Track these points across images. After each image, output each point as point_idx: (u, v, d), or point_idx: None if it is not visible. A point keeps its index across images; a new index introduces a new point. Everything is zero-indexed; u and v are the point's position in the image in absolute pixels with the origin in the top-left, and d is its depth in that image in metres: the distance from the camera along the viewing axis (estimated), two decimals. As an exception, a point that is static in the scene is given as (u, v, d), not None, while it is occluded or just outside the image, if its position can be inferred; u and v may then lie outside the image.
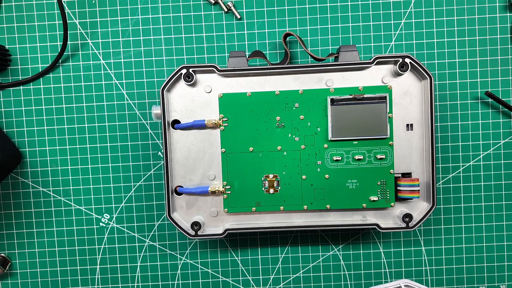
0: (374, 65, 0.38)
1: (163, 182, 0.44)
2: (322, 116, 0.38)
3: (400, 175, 0.39)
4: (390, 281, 0.45)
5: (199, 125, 0.38)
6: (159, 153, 0.44)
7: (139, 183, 0.45)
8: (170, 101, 0.39)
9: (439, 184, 0.44)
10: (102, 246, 0.45)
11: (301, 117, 0.38)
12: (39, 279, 0.45)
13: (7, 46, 0.44)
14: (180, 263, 0.45)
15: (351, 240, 0.45)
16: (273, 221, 0.40)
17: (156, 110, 0.38)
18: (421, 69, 0.37)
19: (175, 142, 0.39)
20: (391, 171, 0.38)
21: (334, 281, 0.45)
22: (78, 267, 0.45)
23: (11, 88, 0.44)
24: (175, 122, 0.39)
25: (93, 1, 0.44)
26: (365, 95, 0.37)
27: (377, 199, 0.38)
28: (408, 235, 0.45)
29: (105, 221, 0.45)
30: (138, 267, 0.45)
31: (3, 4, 0.44)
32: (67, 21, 0.43)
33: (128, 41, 0.44)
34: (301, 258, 0.45)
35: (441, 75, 0.43)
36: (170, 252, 0.45)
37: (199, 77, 0.39)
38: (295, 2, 0.43)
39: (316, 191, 0.39)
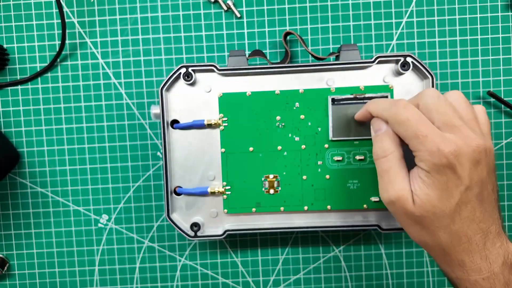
0: (376, 64, 0.37)
1: (162, 182, 0.44)
2: (323, 116, 0.38)
3: (401, 175, 0.38)
4: (392, 282, 0.45)
5: (199, 125, 0.38)
6: (158, 153, 0.44)
7: (138, 183, 0.44)
8: (169, 101, 0.38)
9: (441, 185, 0.44)
10: (101, 247, 0.45)
11: (302, 116, 0.38)
12: (37, 280, 0.45)
13: (5, 46, 0.43)
14: (179, 264, 0.45)
15: (352, 241, 0.45)
16: (273, 221, 0.40)
17: (155, 109, 0.38)
18: (422, 69, 0.37)
19: (174, 142, 0.39)
20: (393, 171, 0.38)
21: (335, 283, 0.45)
22: (77, 268, 0.45)
23: (9, 88, 0.44)
24: (174, 122, 0.39)
25: (92, 0, 0.43)
26: (366, 95, 0.37)
27: (378, 199, 0.38)
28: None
29: (103, 222, 0.45)
30: (137, 268, 0.45)
31: (1, 3, 0.43)
32: (66, 20, 0.42)
33: (127, 40, 0.43)
34: (302, 260, 0.45)
35: (443, 74, 0.43)
36: (169, 253, 0.45)
37: (199, 76, 0.38)
38: (295, 1, 0.43)
39: (316, 191, 0.38)
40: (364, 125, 0.37)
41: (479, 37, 0.43)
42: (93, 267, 0.45)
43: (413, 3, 0.43)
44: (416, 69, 0.37)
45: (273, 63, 0.39)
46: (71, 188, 0.44)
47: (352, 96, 0.37)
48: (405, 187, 0.28)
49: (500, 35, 0.43)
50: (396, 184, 0.28)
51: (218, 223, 0.40)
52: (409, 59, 0.37)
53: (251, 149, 0.38)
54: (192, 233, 0.39)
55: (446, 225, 0.27)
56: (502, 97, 0.43)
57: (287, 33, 0.41)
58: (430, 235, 0.28)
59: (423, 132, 0.27)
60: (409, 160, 0.29)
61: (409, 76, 0.38)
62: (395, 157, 0.29)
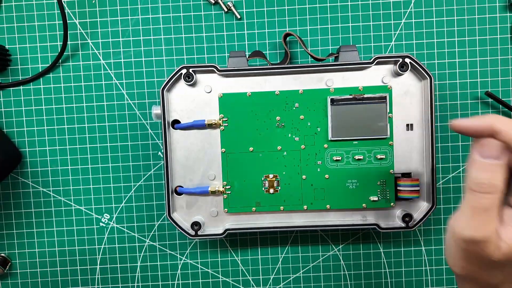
0: (374, 65, 0.38)
1: (163, 182, 0.44)
2: (322, 116, 0.38)
3: (400, 175, 0.39)
4: (391, 281, 0.45)
5: (199, 125, 0.38)
6: (159, 153, 0.44)
7: (139, 183, 0.45)
8: (170, 101, 0.39)
9: (439, 184, 0.44)
10: (102, 246, 0.45)
11: (301, 117, 0.38)
12: (39, 279, 0.45)
13: (7, 46, 0.44)
14: (180, 263, 0.45)
15: (351, 240, 0.45)
16: (273, 221, 0.40)
17: (156, 110, 0.38)
18: (421, 69, 0.37)
19: (175, 142, 0.39)
20: (391, 171, 0.38)
21: (334, 281, 0.45)
22: (78, 267, 0.45)
23: (11, 88, 0.44)
24: (175, 122, 0.39)
25: (93, 1, 0.44)
26: (365, 95, 0.37)
27: (377, 199, 0.38)
28: (408, 235, 0.45)
29: (105, 221, 0.45)
30: (138, 267, 0.45)
31: (3, 4, 0.44)
32: (67, 21, 0.43)
33: (128, 41, 0.44)
34: (301, 258, 0.45)
35: (441, 75, 0.44)
36: (170, 252, 0.45)
37: (199, 77, 0.39)
38: (295, 2, 0.43)
39: (316, 191, 0.39)
40: (363, 126, 0.37)
41: (477, 38, 0.43)
42: (95, 266, 0.45)
43: (412, 4, 0.43)
44: (414, 69, 0.38)
45: (273, 64, 0.39)
46: (73, 188, 0.45)
47: (351, 97, 0.37)
48: (495, 229, 0.24)
49: (498, 36, 0.43)
50: (488, 225, 0.24)
51: (218, 222, 0.40)
52: (407, 60, 0.37)
53: (251, 149, 0.38)
54: (193, 232, 0.39)
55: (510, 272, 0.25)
56: (500, 98, 0.43)
57: (287, 34, 0.41)
58: (487, 274, 0.26)
59: None
60: None
61: (408, 76, 0.38)
62: (499, 196, 0.24)
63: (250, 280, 0.45)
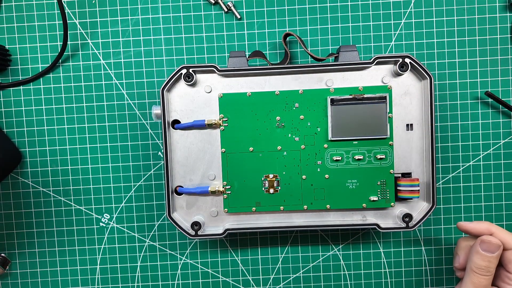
0: (374, 65, 0.38)
1: (163, 182, 0.44)
2: (322, 116, 0.38)
3: (400, 175, 0.39)
4: (390, 281, 0.45)
5: (199, 125, 0.38)
6: (159, 153, 0.44)
7: (139, 183, 0.45)
8: (170, 101, 0.39)
9: (439, 184, 0.44)
10: (102, 246, 0.45)
11: (301, 117, 0.38)
12: (39, 279, 0.46)
13: (7, 46, 0.44)
14: (180, 263, 0.45)
15: (351, 240, 0.45)
16: (273, 221, 0.40)
17: (156, 110, 0.38)
18: (421, 69, 0.37)
19: (175, 142, 0.39)
20: (391, 171, 0.38)
21: (334, 281, 0.45)
22: (78, 267, 0.45)
23: (11, 88, 0.44)
24: (175, 122, 0.39)
25: (93, 1, 0.44)
26: (365, 95, 0.37)
27: (377, 199, 0.38)
28: (408, 235, 0.45)
29: (105, 221, 0.45)
30: (138, 267, 0.45)
31: (3, 4, 0.44)
32: (67, 21, 0.43)
33: (128, 41, 0.44)
34: (301, 258, 0.45)
35: (441, 75, 0.44)
36: (170, 252, 0.45)
37: (199, 77, 0.39)
38: (295, 2, 0.43)
39: (316, 191, 0.39)
40: (363, 126, 0.37)
41: (477, 38, 0.43)
42: (95, 266, 0.45)
43: (412, 5, 0.43)
44: (414, 69, 0.38)
45: (273, 64, 0.39)
46: (73, 188, 0.45)
47: (351, 97, 0.37)
48: None
49: (498, 36, 0.43)
50: None
51: (218, 222, 0.40)
52: (407, 60, 0.37)
53: (251, 149, 0.38)
54: (193, 232, 0.39)
55: None
56: (500, 97, 0.43)
57: (287, 34, 0.41)
58: None
59: None
60: None
61: (408, 76, 0.38)
62: (492, 277, 0.35)
63: (250, 280, 0.45)
